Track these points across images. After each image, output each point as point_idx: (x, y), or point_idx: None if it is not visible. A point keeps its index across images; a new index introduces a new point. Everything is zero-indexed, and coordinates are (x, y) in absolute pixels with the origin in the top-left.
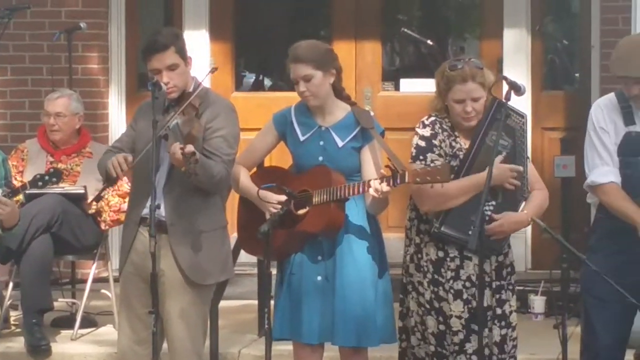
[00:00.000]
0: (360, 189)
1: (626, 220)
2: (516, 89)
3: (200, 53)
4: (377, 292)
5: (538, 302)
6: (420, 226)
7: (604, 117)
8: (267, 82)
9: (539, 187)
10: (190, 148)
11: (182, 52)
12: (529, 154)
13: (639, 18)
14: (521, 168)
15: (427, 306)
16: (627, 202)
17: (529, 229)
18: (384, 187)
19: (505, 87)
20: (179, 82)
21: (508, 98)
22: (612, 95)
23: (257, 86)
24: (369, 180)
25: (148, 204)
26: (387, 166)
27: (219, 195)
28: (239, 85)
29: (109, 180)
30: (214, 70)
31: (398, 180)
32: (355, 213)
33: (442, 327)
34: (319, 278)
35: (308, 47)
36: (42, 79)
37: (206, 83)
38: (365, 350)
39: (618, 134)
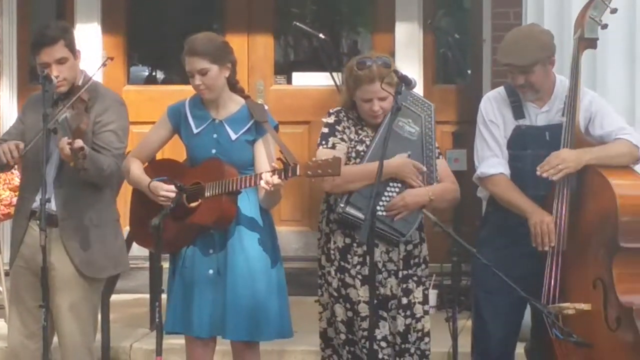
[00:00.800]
0: (252, 182)
1: (516, 211)
2: (407, 82)
3: (92, 47)
4: (270, 286)
5: (430, 296)
6: (330, 216)
7: (493, 110)
8: (160, 75)
9: (450, 181)
10: (78, 143)
11: (71, 46)
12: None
13: (530, 12)
14: (424, 168)
15: (335, 294)
16: (516, 192)
17: (423, 225)
18: (275, 179)
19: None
20: (68, 75)
21: (399, 92)
22: (501, 88)
23: (150, 80)
24: (261, 173)
25: (38, 197)
26: (278, 159)
27: (109, 188)
28: (131, 79)
29: (0, 168)
30: (108, 60)
31: (289, 174)
32: (248, 206)
33: (350, 313)
34: (211, 271)
35: (204, 40)
36: None
37: (99, 76)
38: (257, 345)
39: (508, 127)
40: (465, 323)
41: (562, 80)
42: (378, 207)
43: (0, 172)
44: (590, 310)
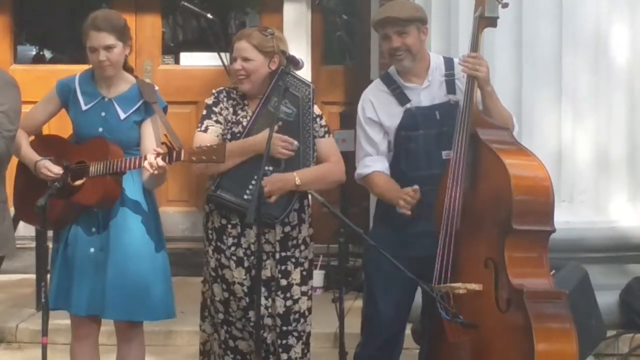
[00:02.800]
0: (138, 164)
1: (388, 203)
2: (294, 63)
3: None
4: (153, 267)
5: (317, 277)
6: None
7: (372, 106)
8: (48, 54)
9: (333, 161)
10: None
11: None
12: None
13: None
14: (295, 142)
15: (213, 274)
16: (385, 186)
17: (307, 207)
18: (160, 162)
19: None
20: None
21: (287, 72)
22: (377, 81)
23: (37, 59)
24: (146, 155)
25: None
26: (163, 143)
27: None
28: (18, 58)
29: None
30: None
31: (174, 158)
32: (132, 187)
33: (226, 294)
34: (92, 250)
35: (111, 17)
36: None
37: None
38: (141, 325)
39: (396, 115)
40: (352, 304)
41: (434, 55)
42: (247, 191)
43: None
44: (481, 290)
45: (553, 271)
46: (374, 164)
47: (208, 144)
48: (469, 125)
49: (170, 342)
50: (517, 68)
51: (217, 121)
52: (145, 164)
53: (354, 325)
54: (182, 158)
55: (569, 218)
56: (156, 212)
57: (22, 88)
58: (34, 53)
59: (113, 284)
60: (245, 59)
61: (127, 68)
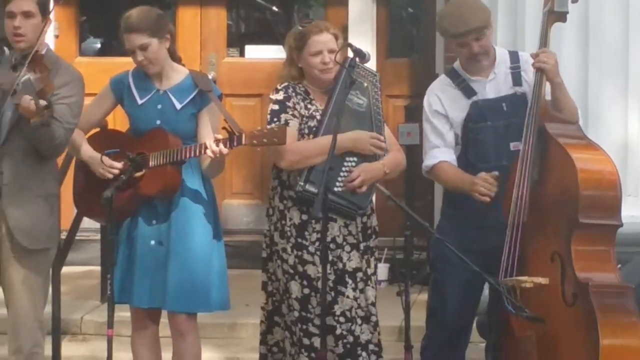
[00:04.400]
0: (197, 151)
1: (460, 192)
2: (361, 56)
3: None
4: (211, 258)
5: (381, 270)
6: (284, 192)
7: (438, 99)
8: (112, 47)
9: (396, 149)
10: (44, 102)
11: (43, 6)
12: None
13: None
14: (382, 137)
15: (291, 271)
16: (456, 175)
17: (373, 197)
18: (221, 148)
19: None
20: (30, 33)
21: (353, 65)
22: (442, 77)
23: (102, 51)
24: (206, 142)
25: None
26: (223, 128)
27: (53, 162)
28: (83, 51)
29: None
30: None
31: (235, 142)
32: (192, 177)
33: (306, 290)
34: (153, 242)
35: (140, 15)
36: None
37: (51, 48)
38: (195, 317)
39: (463, 109)
40: (417, 297)
41: (499, 48)
42: (337, 182)
43: None
44: (547, 284)
45: (619, 265)
46: (441, 155)
47: (268, 127)
48: (537, 118)
49: (235, 335)
50: (583, 61)
51: (293, 115)
52: (208, 151)
53: (418, 318)
54: (243, 142)
55: (635, 212)
56: (215, 202)
57: (87, 81)
58: (98, 46)
59: (174, 276)
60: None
61: (175, 58)
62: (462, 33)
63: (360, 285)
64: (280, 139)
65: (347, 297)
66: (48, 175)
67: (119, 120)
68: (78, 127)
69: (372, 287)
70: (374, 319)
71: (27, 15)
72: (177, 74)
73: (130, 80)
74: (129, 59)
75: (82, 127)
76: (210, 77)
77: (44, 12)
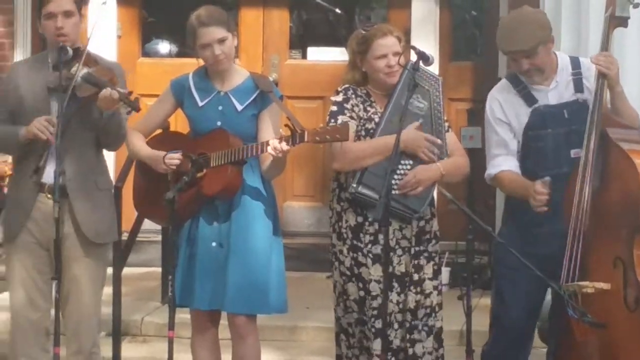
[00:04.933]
0: (259, 150)
1: (523, 199)
2: (425, 58)
3: (108, 18)
4: (270, 260)
5: (443, 274)
6: (341, 194)
7: (500, 106)
8: (174, 48)
9: (460, 154)
10: (122, 90)
11: (79, 3)
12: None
13: None
14: (439, 141)
15: (348, 273)
16: (517, 182)
17: (435, 200)
18: (283, 146)
19: (414, 58)
20: (72, 32)
21: (417, 67)
22: (504, 81)
23: (164, 53)
24: (268, 140)
25: (48, 168)
26: (286, 125)
27: (104, 156)
28: (145, 52)
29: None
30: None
31: (298, 139)
32: (252, 177)
33: (362, 292)
34: (214, 244)
35: (216, 10)
36: None
37: (113, 48)
38: (255, 319)
39: (524, 115)
40: (478, 302)
41: (561, 55)
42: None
43: (38, 156)
44: (609, 289)
45: None
46: (504, 163)
47: (331, 124)
48: (599, 124)
49: (295, 338)
50: None
51: (351, 117)
52: (269, 148)
53: (479, 322)
54: (306, 139)
55: None
56: (275, 202)
57: (149, 81)
58: (160, 47)
59: (233, 277)
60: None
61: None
62: (511, 52)
63: (405, 290)
64: (343, 135)
65: (391, 301)
66: (105, 169)
67: (180, 123)
68: (139, 130)
69: (419, 292)
70: (412, 323)
71: (67, 14)
72: (238, 76)
73: (191, 82)
74: (191, 60)
75: (143, 130)
76: (272, 78)
77: (80, 9)
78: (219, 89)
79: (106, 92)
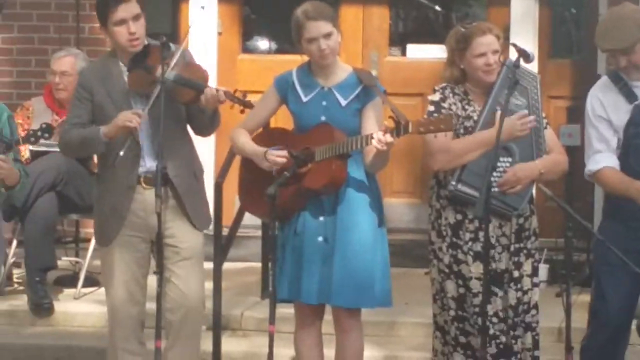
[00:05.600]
0: (363, 142)
1: (627, 198)
2: (525, 56)
3: (209, 15)
4: (375, 254)
5: (541, 270)
6: (440, 192)
7: (601, 104)
8: (274, 45)
9: (558, 151)
10: (221, 88)
11: (140, 3)
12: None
13: None
14: (527, 112)
15: (447, 270)
16: (621, 181)
17: (534, 198)
18: (388, 138)
19: (512, 55)
20: (142, 33)
21: (517, 65)
22: (604, 78)
23: (265, 49)
24: (372, 133)
25: (144, 163)
26: (390, 117)
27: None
28: (245, 48)
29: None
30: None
31: (402, 131)
32: (357, 172)
33: (461, 290)
34: (320, 238)
35: (321, 6)
36: (49, 37)
37: (213, 45)
38: (359, 313)
39: (624, 112)
40: (576, 298)
41: None
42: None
43: (120, 147)
44: None
45: None
46: (605, 159)
47: (435, 115)
48: None
49: (394, 333)
50: None
51: None
52: (374, 140)
53: (578, 319)
54: (410, 130)
55: None
56: (379, 194)
57: (249, 78)
58: (260, 43)
59: (340, 271)
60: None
61: None
62: (607, 49)
63: (505, 287)
64: (447, 125)
65: (494, 296)
66: (197, 157)
67: (280, 119)
68: (244, 127)
69: (519, 289)
70: (514, 320)
71: (137, 17)
72: (342, 71)
73: (295, 78)
74: (291, 57)
75: (248, 127)
76: (373, 74)
77: (141, 7)
78: (322, 84)
79: (211, 92)
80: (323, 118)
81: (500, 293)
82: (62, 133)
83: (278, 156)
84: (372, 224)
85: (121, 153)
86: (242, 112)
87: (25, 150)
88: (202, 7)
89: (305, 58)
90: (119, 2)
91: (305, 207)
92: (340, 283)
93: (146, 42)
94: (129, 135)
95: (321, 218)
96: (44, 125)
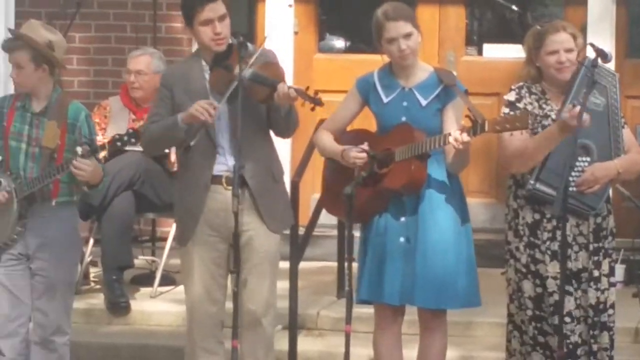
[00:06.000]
0: (441, 142)
1: None
2: (603, 55)
3: (285, 14)
4: (459, 253)
5: (618, 271)
6: (518, 191)
7: None
8: (349, 44)
9: (635, 151)
10: (294, 87)
11: (226, 3)
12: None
13: None
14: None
15: (524, 270)
16: None
17: (610, 197)
18: (464, 137)
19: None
20: (227, 33)
21: (595, 64)
22: None
23: (340, 48)
24: (449, 132)
25: (222, 162)
26: (466, 116)
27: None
28: (321, 47)
29: (190, 133)
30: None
31: (478, 130)
32: (438, 171)
33: (539, 289)
34: (402, 239)
35: (402, 7)
36: (126, 36)
37: (289, 44)
38: (444, 314)
39: None
40: None
41: None
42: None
43: (191, 137)
44: None
45: None
46: None
47: (511, 113)
48: None
49: (470, 334)
50: None
51: None
52: (450, 139)
53: None
54: (487, 129)
55: None
56: (462, 195)
57: (325, 77)
58: (336, 42)
59: (422, 271)
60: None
61: None
62: None
63: (584, 286)
64: (523, 123)
65: (570, 296)
66: (278, 159)
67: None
68: (327, 129)
69: (599, 289)
70: (594, 320)
71: (223, 18)
72: (422, 72)
73: (376, 79)
74: (367, 56)
75: (331, 128)
76: (454, 74)
77: (228, 8)
78: (403, 84)
79: (283, 89)
80: (404, 118)
81: (578, 293)
82: (143, 131)
83: (355, 156)
84: (454, 223)
85: (192, 143)
86: (312, 109)
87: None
88: (290, 5)
89: (386, 59)
90: (205, 2)
91: (387, 208)
92: (423, 283)
93: (230, 42)
94: (202, 127)
95: (403, 219)
96: (130, 131)
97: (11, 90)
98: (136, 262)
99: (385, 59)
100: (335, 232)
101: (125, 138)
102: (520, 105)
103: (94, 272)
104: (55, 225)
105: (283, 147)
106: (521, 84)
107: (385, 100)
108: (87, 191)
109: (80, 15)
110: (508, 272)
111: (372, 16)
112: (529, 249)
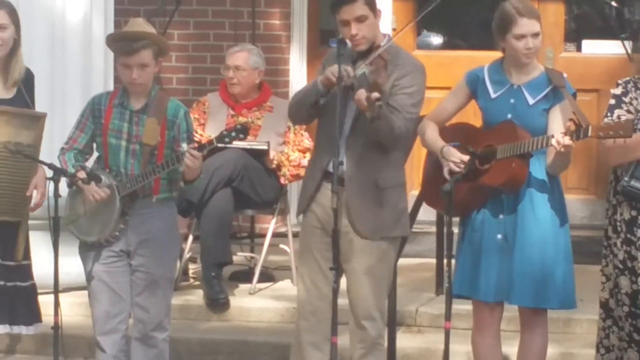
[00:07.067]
0: (544, 143)
1: None
2: None
3: (383, 11)
4: (557, 253)
5: None
6: (617, 187)
7: None
8: (447, 40)
9: None
10: (375, 95)
11: (371, 4)
12: None
13: None
14: None
15: (621, 266)
16: None
17: None
18: (567, 140)
19: None
20: (368, 33)
21: None
22: None
23: (437, 45)
24: (553, 134)
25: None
26: (570, 120)
27: (398, 152)
28: (419, 44)
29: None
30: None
31: (582, 134)
32: (539, 172)
33: (635, 286)
34: (499, 236)
35: (531, 4)
36: (224, 33)
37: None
38: (545, 313)
39: None
40: None
41: None
42: None
43: (326, 99)
44: None
45: None
46: None
47: (615, 120)
48: None
49: (569, 330)
50: None
51: (628, 111)
52: (553, 141)
53: None
54: (590, 134)
55: None
56: (562, 196)
57: None
58: (433, 39)
59: (520, 270)
60: None
61: None
62: None
63: None
64: (627, 132)
65: None
66: (394, 166)
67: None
68: (431, 119)
69: None
70: None
71: (360, 19)
72: (534, 70)
73: (486, 74)
74: (464, 53)
75: (437, 119)
76: (564, 75)
77: (374, 8)
78: (513, 82)
79: (358, 95)
80: (509, 115)
81: None
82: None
83: (455, 162)
84: (553, 223)
85: (321, 101)
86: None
87: None
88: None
89: (498, 54)
90: (341, 4)
91: (486, 205)
92: (520, 282)
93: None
94: (331, 89)
95: (501, 216)
96: (239, 126)
97: (111, 87)
98: (235, 258)
99: (498, 54)
100: (434, 229)
101: (233, 134)
102: (627, 99)
103: (192, 268)
104: (156, 222)
105: None
106: (628, 78)
107: (493, 95)
108: (183, 187)
109: (179, 12)
110: (608, 267)
111: (473, 14)
112: (626, 245)
